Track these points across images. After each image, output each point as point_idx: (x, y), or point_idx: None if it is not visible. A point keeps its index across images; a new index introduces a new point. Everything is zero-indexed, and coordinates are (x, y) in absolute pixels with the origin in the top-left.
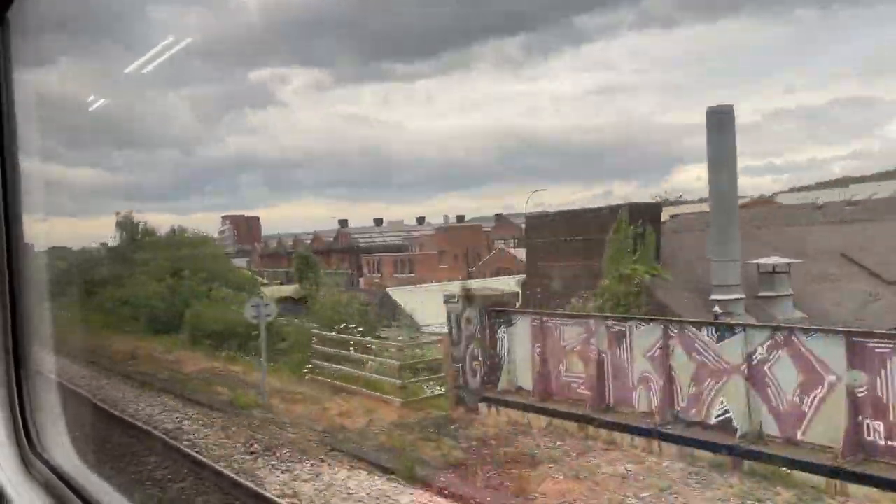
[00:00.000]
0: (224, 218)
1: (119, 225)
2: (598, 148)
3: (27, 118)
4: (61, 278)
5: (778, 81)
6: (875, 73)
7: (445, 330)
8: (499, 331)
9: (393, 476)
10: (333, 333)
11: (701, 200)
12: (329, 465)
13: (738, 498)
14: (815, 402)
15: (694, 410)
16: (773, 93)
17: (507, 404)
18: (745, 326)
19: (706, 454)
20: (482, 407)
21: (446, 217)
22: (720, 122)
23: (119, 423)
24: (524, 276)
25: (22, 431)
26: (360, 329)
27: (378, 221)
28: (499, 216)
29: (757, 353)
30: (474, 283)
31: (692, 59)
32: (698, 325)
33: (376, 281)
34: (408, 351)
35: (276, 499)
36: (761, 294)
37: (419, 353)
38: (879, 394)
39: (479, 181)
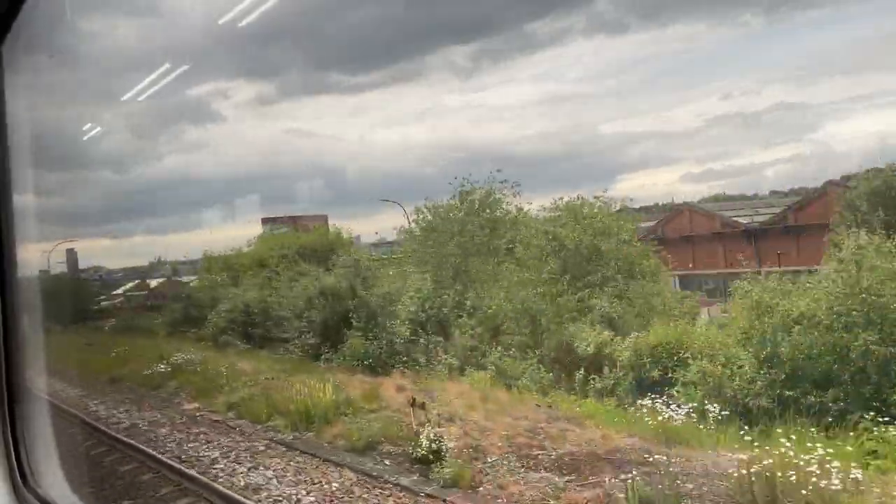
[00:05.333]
0: (268, 221)
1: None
2: (546, 157)
3: None
4: None
5: (721, 87)
6: (812, 77)
7: None
8: None
9: None
10: None
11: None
12: None
13: None
14: None
15: None
16: (715, 98)
17: None
18: None
19: None
20: None
21: None
22: None
23: None
24: None
25: (15, 466)
26: None
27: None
28: None
29: None
30: None
31: (640, 66)
32: None
33: None
34: None
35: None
36: None
37: None
38: None
39: (432, 194)
